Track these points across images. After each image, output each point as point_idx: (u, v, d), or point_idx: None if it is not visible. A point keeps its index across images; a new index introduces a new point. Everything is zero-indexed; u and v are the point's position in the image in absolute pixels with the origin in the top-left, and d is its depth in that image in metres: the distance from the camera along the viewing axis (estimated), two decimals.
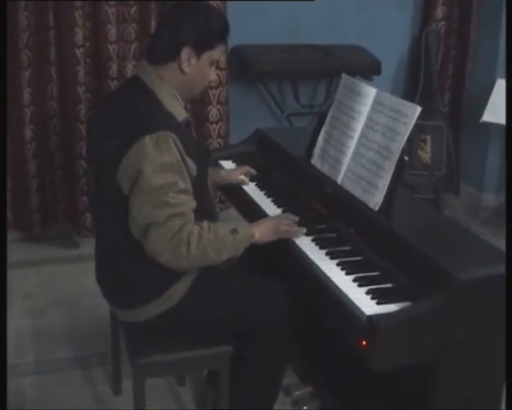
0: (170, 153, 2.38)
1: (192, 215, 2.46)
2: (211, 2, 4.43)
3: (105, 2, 4.42)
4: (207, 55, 2.57)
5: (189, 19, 2.53)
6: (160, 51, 2.55)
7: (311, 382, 3.19)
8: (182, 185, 2.41)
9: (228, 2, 4.70)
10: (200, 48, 2.54)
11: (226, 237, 2.51)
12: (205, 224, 2.48)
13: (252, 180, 3.27)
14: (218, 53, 2.62)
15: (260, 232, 2.63)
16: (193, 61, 2.54)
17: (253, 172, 3.28)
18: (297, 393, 3.13)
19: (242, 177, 3.26)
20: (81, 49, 4.39)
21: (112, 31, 4.49)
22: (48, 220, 4.70)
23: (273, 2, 5.02)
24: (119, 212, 2.47)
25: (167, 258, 2.43)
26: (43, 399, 3.19)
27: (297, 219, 2.75)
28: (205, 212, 2.54)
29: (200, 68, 2.57)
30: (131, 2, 4.50)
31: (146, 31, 4.54)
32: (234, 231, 2.54)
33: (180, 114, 2.54)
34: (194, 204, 2.48)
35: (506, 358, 2.25)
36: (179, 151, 2.41)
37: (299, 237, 2.71)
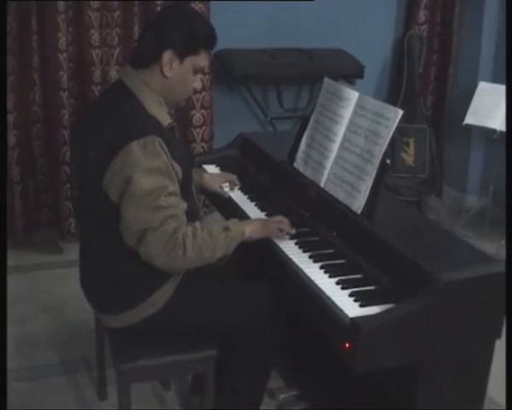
0: (158, 157, 2.39)
1: (184, 217, 2.46)
2: (194, 5, 4.44)
3: (88, 7, 4.41)
4: (190, 60, 2.56)
5: (173, 22, 2.53)
6: (143, 54, 2.55)
7: (296, 385, 3.19)
8: (172, 188, 2.42)
9: (211, 6, 4.71)
10: (182, 52, 2.53)
11: (219, 235, 2.52)
12: (197, 224, 2.49)
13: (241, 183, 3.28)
14: (202, 60, 2.60)
15: (251, 229, 2.65)
16: (175, 64, 2.53)
17: (238, 183, 3.28)
18: (282, 396, 3.13)
19: (225, 187, 3.24)
20: (64, 54, 4.39)
21: (95, 35, 4.48)
22: (31, 226, 4.69)
23: (257, 6, 5.03)
24: (105, 218, 2.47)
25: (164, 261, 2.42)
26: (28, 405, 3.17)
27: (287, 221, 2.76)
28: (189, 214, 2.54)
29: (182, 73, 2.56)
30: (115, 7, 4.49)
31: (129, 36, 4.55)
32: (226, 228, 2.55)
33: (164, 119, 2.54)
34: (185, 206, 2.49)
35: (506, 358, 2.27)
36: (166, 155, 2.41)
37: (288, 237, 2.72)
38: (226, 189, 3.23)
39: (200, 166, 3.45)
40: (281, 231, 2.72)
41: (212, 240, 2.49)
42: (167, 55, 2.51)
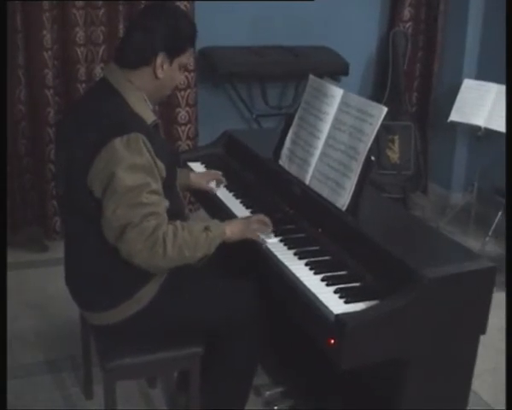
0: (141, 154, 2.38)
1: (165, 215, 2.46)
2: (179, 3, 4.44)
3: (73, 5, 4.40)
4: (179, 60, 2.58)
5: (162, 23, 2.53)
6: (133, 56, 2.54)
7: (282, 382, 3.20)
8: (154, 186, 2.41)
9: (196, 4, 4.71)
10: (172, 53, 2.55)
11: (199, 235, 2.51)
12: (178, 223, 2.48)
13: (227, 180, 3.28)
14: (187, 57, 2.63)
15: (231, 230, 2.65)
16: (165, 66, 2.55)
17: (224, 181, 3.28)
18: (268, 393, 3.13)
19: (212, 185, 3.25)
20: (49, 52, 4.38)
21: (80, 33, 4.48)
22: (17, 224, 4.67)
23: (242, 4, 5.03)
24: (90, 215, 2.47)
25: (144, 258, 2.42)
26: (14, 403, 3.16)
27: (268, 220, 2.77)
28: (174, 213, 2.54)
29: (171, 73, 2.58)
30: (99, 5, 4.48)
31: (114, 33, 4.54)
32: (206, 228, 2.55)
33: (149, 116, 2.54)
34: (166, 204, 2.48)
35: (506, 358, 2.29)
36: (149, 153, 2.41)
37: (266, 242, 2.72)
38: (212, 185, 3.23)
39: (186, 165, 3.45)
40: (260, 230, 2.73)
41: (192, 239, 2.49)
42: (160, 59, 2.52)
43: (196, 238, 2.50)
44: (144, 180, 2.38)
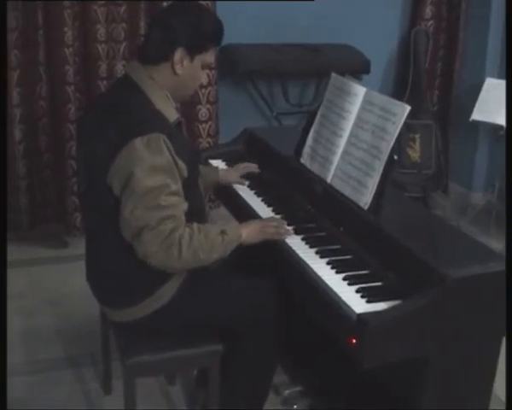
0: (161, 155, 2.38)
1: (183, 218, 2.45)
2: (201, 1, 4.44)
3: (94, 2, 4.41)
4: (200, 58, 2.56)
5: (183, 20, 2.52)
6: (153, 51, 2.54)
7: (301, 381, 3.19)
8: (173, 187, 2.41)
9: (217, 2, 4.70)
10: (193, 50, 2.53)
11: (215, 238, 2.51)
12: (195, 226, 2.48)
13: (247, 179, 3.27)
14: (210, 56, 2.61)
15: (247, 233, 2.64)
16: (186, 62, 2.53)
17: (256, 169, 3.27)
18: (287, 392, 3.13)
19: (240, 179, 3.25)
20: (70, 49, 4.39)
21: (101, 30, 4.49)
22: (37, 220, 4.69)
23: (263, 2, 5.02)
24: (110, 212, 2.47)
25: (159, 260, 2.42)
26: (33, 399, 3.18)
27: (285, 222, 2.76)
28: (195, 212, 2.54)
29: (192, 70, 2.57)
30: (120, 2, 4.49)
31: (135, 30, 4.55)
32: (223, 232, 2.54)
33: (171, 114, 2.53)
34: (185, 206, 2.48)
35: (506, 358, 2.26)
36: (170, 153, 2.40)
37: (285, 238, 2.71)
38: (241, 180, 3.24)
39: (207, 163, 3.44)
40: (278, 233, 2.72)
41: (208, 243, 2.48)
42: (178, 54, 2.51)
43: (212, 241, 2.49)
44: (164, 181, 2.38)
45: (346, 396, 2.96)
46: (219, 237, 2.52)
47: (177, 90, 2.59)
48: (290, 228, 2.75)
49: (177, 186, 2.43)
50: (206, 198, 2.89)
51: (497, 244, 4.67)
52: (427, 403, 2.39)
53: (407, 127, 5.34)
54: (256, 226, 2.70)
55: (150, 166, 2.36)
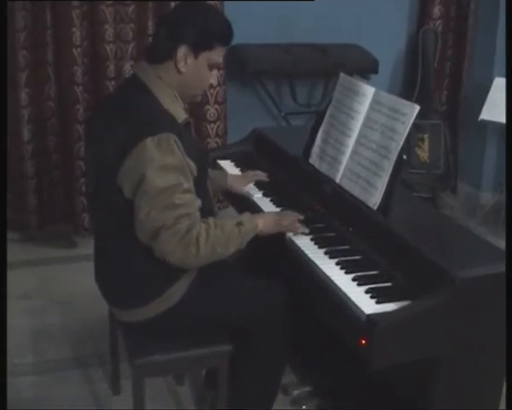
0: (173, 154, 2.37)
1: (198, 214, 2.46)
2: (209, 1, 4.43)
3: (102, 2, 4.42)
4: (205, 56, 2.54)
5: (188, 18, 2.51)
6: (158, 50, 2.54)
7: (310, 381, 3.19)
8: (186, 185, 2.41)
9: (225, 2, 4.70)
10: (197, 47, 2.51)
11: (232, 231, 2.52)
12: (211, 220, 2.48)
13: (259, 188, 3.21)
14: (217, 55, 2.58)
15: (264, 224, 2.64)
16: (190, 60, 2.52)
17: (264, 177, 3.23)
18: (296, 392, 3.13)
19: (249, 188, 3.20)
20: (78, 49, 4.39)
21: (109, 30, 4.48)
22: (46, 221, 4.70)
23: (270, 2, 5.01)
24: (119, 213, 2.47)
25: (177, 258, 2.43)
26: (42, 399, 3.18)
27: (301, 217, 2.76)
28: (204, 211, 2.54)
29: (197, 69, 2.55)
30: (129, 2, 4.49)
31: (143, 31, 4.54)
32: (239, 223, 2.55)
33: (180, 115, 2.53)
34: (199, 203, 2.48)
35: (506, 358, 2.25)
36: (181, 152, 2.40)
37: (300, 232, 2.72)
38: (249, 188, 3.19)
39: (216, 163, 3.44)
40: (293, 226, 2.72)
41: (225, 236, 2.49)
42: (182, 51, 2.49)
43: (229, 234, 2.50)
44: (177, 180, 2.38)
45: (354, 397, 2.95)
46: (236, 228, 2.53)
47: (183, 89, 2.57)
48: (294, 231, 2.75)
49: (189, 184, 2.43)
50: (214, 199, 2.90)
51: None
52: (437, 404, 2.39)
53: (416, 127, 5.32)
54: (272, 218, 2.71)
55: (161, 165, 2.35)
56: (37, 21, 4.34)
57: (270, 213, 2.81)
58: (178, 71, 2.52)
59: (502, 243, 4.51)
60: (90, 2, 4.43)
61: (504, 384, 2.30)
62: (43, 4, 4.31)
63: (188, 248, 2.39)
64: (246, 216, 2.63)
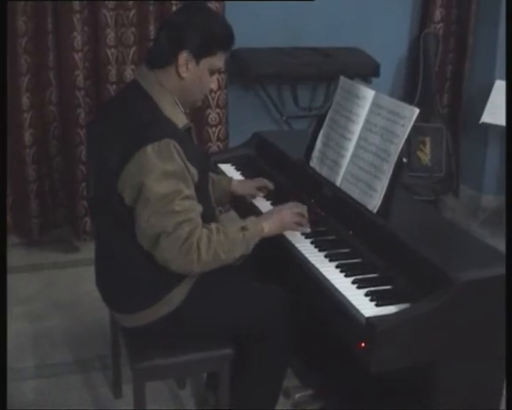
0: (173, 160, 2.37)
1: (199, 220, 2.45)
2: (209, 3, 4.44)
3: (104, 7, 4.42)
4: (207, 62, 2.53)
5: (190, 23, 2.50)
6: (159, 55, 2.53)
7: (312, 384, 3.19)
8: (187, 192, 2.40)
9: (226, 4, 4.70)
10: (199, 53, 2.50)
11: (236, 236, 2.50)
12: (213, 226, 2.47)
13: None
14: (219, 61, 2.57)
15: (269, 226, 2.63)
16: (191, 65, 2.51)
17: (271, 186, 3.19)
18: (297, 395, 3.13)
19: (255, 193, 3.18)
20: (80, 54, 4.40)
21: (110, 35, 4.49)
22: (47, 225, 4.70)
23: (272, 5, 5.02)
24: (120, 218, 2.47)
25: (179, 265, 2.42)
26: (43, 403, 3.18)
27: (305, 207, 2.76)
28: (206, 216, 2.53)
29: (198, 74, 2.54)
30: (130, 6, 4.49)
31: (145, 35, 4.54)
32: (243, 228, 2.53)
33: (180, 120, 2.52)
34: (200, 208, 2.47)
35: (506, 358, 2.25)
36: (181, 158, 2.39)
37: (307, 227, 2.73)
38: (255, 193, 3.18)
39: (217, 167, 3.44)
40: (298, 224, 2.72)
41: (228, 241, 2.47)
42: (183, 57, 2.48)
43: (233, 240, 2.49)
44: (176, 187, 2.37)
45: (356, 400, 2.95)
46: (240, 233, 2.51)
47: (183, 95, 2.56)
48: (300, 230, 2.76)
49: (189, 190, 2.42)
50: (222, 204, 2.88)
51: None
52: (439, 405, 2.38)
53: (417, 130, 5.32)
54: (276, 219, 2.68)
55: (162, 172, 2.35)
56: (38, 26, 4.35)
57: (274, 212, 2.73)
58: (179, 76, 2.51)
59: (503, 247, 4.52)
60: (92, 6, 4.43)
61: (504, 384, 2.29)
62: (45, 9, 4.31)
63: (189, 255, 2.39)
64: (250, 220, 2.62)
